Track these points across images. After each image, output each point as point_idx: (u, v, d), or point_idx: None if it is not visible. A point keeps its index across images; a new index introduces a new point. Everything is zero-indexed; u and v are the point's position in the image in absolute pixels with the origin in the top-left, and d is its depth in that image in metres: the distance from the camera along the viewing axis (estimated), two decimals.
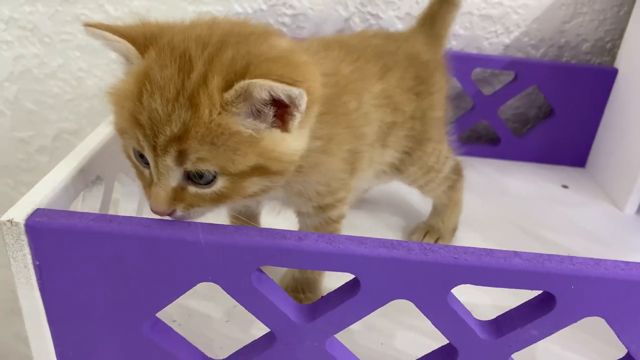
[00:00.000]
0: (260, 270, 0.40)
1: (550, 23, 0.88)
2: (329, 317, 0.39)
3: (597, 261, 0.37)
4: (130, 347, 0.43)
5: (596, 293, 0.37)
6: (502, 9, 0.87)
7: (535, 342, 0.40)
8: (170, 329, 0.44)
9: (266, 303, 0.39)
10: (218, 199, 0.39)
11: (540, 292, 0.39)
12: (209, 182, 0.38)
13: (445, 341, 0.42)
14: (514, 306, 0.41)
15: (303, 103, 0.36)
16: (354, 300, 0.38)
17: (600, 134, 0.89)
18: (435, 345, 0.44)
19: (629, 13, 0.87)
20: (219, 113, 0.36)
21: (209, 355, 0.45)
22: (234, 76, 0.36)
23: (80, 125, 0.96)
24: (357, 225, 0.72)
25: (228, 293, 0.39)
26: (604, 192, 0.86)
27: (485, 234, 0.73)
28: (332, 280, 0.52)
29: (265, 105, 0.37)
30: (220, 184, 0.38)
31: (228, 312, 0.55)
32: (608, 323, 0.39)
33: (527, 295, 0.40)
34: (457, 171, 0.68)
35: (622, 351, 0.42)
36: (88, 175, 0.48)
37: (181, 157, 0.37)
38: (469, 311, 0.41)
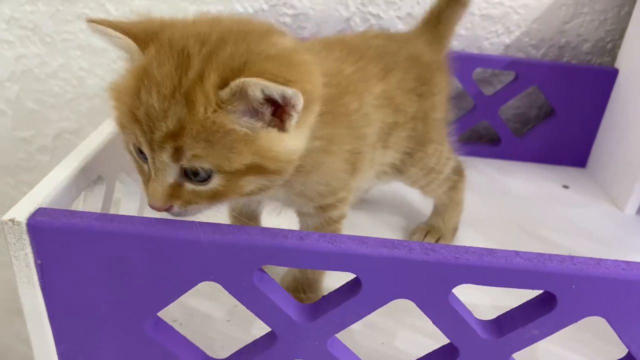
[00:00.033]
0: (262, 270, 0.40)
1: (551, 23, 0.88)
2: (330, 317, 0.40)
3: (598, 261, 0.37)
4: (131, 346, 0.43)
5: (597, 293, 0.37)
6: (503, 9, 0.87)
7: (536, 341, 0.40)
8: (171, 328, 0.44)
9: (267, 302, 0.39)
10: (214, 197, 0.39)
11: (541, 291, 0.39)
12: (205, 180, 0.38)
13: (445, 341, 0.42)
14: (514, 306, 0.41)
15: (299, 103, 0.36)
16: (355, 299, 0.38)
17: (600, 134, 0.89)
18: (435, 345, 0.44)
19: (629, 13, 0.87)
20: (214, 111, 0.36)
21: (210, 354, 0.45)
22: (230, 74, 0.36)
23: (81, 125, 0.96)
24: (357, 225, 0.72)
25: (229, 292, 0.39)
26: (604, 193, 0.86)
27: (486, 234, 0.73)
28: (333, 280, 0.52)
29: (262, 104, 0.37)
30: (216, 181, 0.38)
31: (229, 311, 0.56)
32: (609, 323, 0.39)
33: (527, 295, 0.40)
34: (458, 172, 0.68)
35: (623, 351, 0.42)
36: (89, 175, 0.48)
37: (177, 153, 0.37)
38: (469, 311, 0.41)
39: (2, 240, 0.38)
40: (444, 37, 0.66)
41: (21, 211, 0.38)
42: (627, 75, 0.83)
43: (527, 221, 0.76)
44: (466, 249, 0.37)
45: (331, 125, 0.45)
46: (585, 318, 0.38)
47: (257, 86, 0.35)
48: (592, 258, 0.38)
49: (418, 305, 0.39)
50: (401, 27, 0.87)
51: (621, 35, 0.89)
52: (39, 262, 0.39)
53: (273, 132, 0.38)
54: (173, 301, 0.40)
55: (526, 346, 0.40)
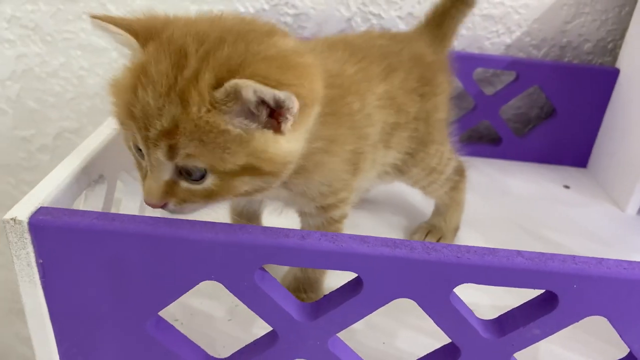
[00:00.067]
0: (263, 269, 0.40)
1: (552, 23, 0.88)
2: (332, 316, 0.39)
3: (600, 260, 0.37)
4: (132, 345, 0.43)
5: (599, 292, 0.37)
6: (504, 8, 0.87)
7: (538, 341, 0.40)
8: (172, 327, 0.44)
9: (269, 301, 0.39)
10: (209, 196, 0.39)
11: (542, 291, 0.39)
12: (200, 179, 0.38)
13: (446, 341, 0.42)
14: (515, 306, 0.41)
15: (293, 106, 0.36)
16: (356, 299, 0.38)
17: (601, 134, 0.89)
18: (436, 345, 0.44)
19: (630, 13, 0.87)
20: (208, 110, 0.36)
21: (211, 354, 0.45)
22: (226, 74, 0.36)
23: (82, 124, 0.96)
24: (358, 225, 0.72)
25: (231, 291, 0.39)
26: (605, 193, 0.86)
27: (487, 234, 0.73)
28: (334, 280, 0.52)
29: (257, 106, 0.36)
30: (210, 180, 0.38)
31: (230, 311, 0.56)
32: (610, 322, 0.39)
33: (528, 295, 0.40)
34: (460, 172, 0.68)
35: (624, 351, 0.42)
36: (91, 174, 0.48)
37: (171, 151, 0.37)
38: (471, 310, 0.41)
39: (2, 240, 0.38)
40: (447, 37, 0.66)
41: (23, 210, 0.38)
42: (628, 75, 0.83)
43: (528, 221, 0.76)
44: (468, 249, 0.37)
45: (333, 126, 0.45)
46: (586, 318, 0.38)
47: (249, 88, 0.35)
48: (593, 257, 0.38)
49: (419, 305, 0.39)
50: (402, 27, 0.87)
51: (622, 35, 0.89)
52: (41, 261, 0.39)
53: (268, 134, 0.38)
54: (174, 300, 0.40)
55: (527, 346, 0.40)
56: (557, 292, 0.37)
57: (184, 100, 0.36)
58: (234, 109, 0.36)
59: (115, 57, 0.90)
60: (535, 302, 0.40)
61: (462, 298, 0.40)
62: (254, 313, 0.40)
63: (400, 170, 0.60)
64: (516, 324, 0.40)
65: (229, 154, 0.37)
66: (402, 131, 0.56)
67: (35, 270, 0.39)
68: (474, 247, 0.38)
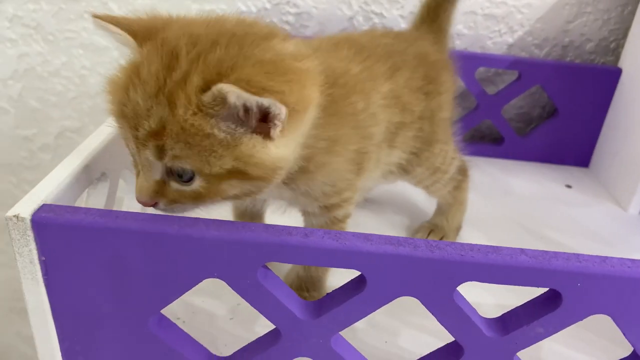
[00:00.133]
0: (266, 267, 0.40)
1: (554, 22, 0.88)
2: (335, 314, 0.39)
3: (604, 259, 0.37)
4: (134, 343, 0.43)
5: (602, 291, 0.37)
6: (506, 8, 0.87)
7: (541, 339, 0.40)
8: (175, 325, 0.44)
9: (272, 299, 0.39)
10: (197, 198, 0.39)
11: (546, 289, 0.39)
12: (189, 180, 0.38)
13: (449, 339, 0.42)
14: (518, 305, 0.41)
15: (280, 112, 0.35)
16: (359, 297, 0.38)
17: (604, 134, 0.89)
18: (439, 344, 0.44)
19: (633, 13, 0.87)
20: (194, 113, 0.36)
21: (213, 352, 0.45)
22: (216, 77, 0.36)
23: (83, 123, 0.96)
24: (361, 224, 0.72)
25: (234, 289, 0.39)
26: (607, 192, 0.85)
27: (489, 234, 0.73)
28: (337, 278, 0.52)
29: (245, 111, 0.36)
30: (197, 183, 0.38)
31: (232, 309, 0.55)
32: (614, 321, 0.39)
33: (531, 294, 0.40)
34: (463, 171, 0.67)
35: (627, 350, 0.42)
36: (93, 172, 0.48)
37: (159, 152, 0.37)
38: (474, 309, 0.41)
39: (1, 240, 0.38)
40: (445, 31, 0.66)
41: (25, 207, 0.38)
42: (631, 75, 0.83)
43: (530, 221, 0.76)
44: (471, 247, 0.37)
45: (337, 126, 0.45)
46: (590, 317, 0.38)
47: (233, 94, 0.34)
48: (597, 256, 0.37)
49: (423, 303, 0.39)
50: (404, 25, 0.87)
51: (625, 35, 0.89)
52: (43, 258, 0.39)
53: (257, 139, 0.37)
54: (177, 298, 0.40)
55: (531, 344, 0.40)
56: (561, 290, 0.37)
57: (172, 102, 0.36)
58: (221, 113, 0.36)
59: (117, 56, 0.90)
60: (539, 300, 0.40)
61: (465, 297, 0.40)
62: (255, 312, 0.40)
63: (404, 170, 0.60)
64: (520, 323, 0.39)
65: (215, 157, 0.37)
66: (407, 130, 0.56)
67: (37, 267, 0.39)
68: (477, 245, 0.38)
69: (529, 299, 0.40)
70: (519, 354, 0.41)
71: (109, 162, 0.50)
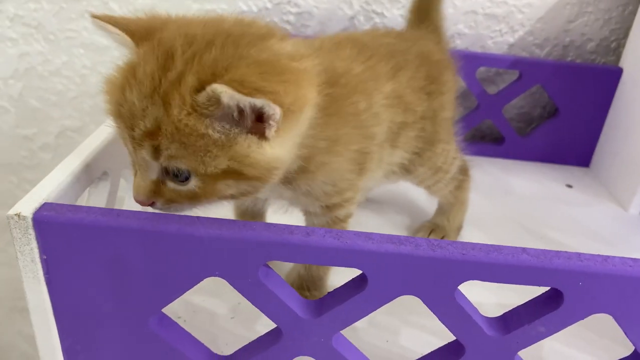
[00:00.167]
0: (268, 266, 0.40)
1: (555, 22, 0.88)
2: (336, 313, 0.39)
3: (605, 258, 0.37)
4: (135, 342, 0.43)
5: (604, 290, 0.37)
6: (507, 8, 0.87)
7: (543, 339, 0.40)
8: (176, 324, 0.44)
9: (273, 298, 0.39)
10: (194, 198, 0.39)
11: (547, 288, 0.39)
12: (185, 180, 0.38)
13: (450, 339, 0.42)
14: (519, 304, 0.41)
15: (274, 113, 0.35)
16: (361, 295, 0.38)
17: (604, 134, 0.88)
18: (440, 343, 0.44)
19: (634, 12, 0.87)
20: (188, 113, 0.36)
21: (214, 351, 0.44)
22: (211, 78, 0.36)
23: (84, 123, 0.96)
24: (362, 223, 0.72)
25: (235, 288, 0.39)
26: (608, 192, 0.85)
27: (489, 233, 0.73)
28: (338, 278, 0.52)
29: (239, 112, 0.36)
30: (193, 182, 0.38)
31: (233, 308, 0.55)
32: (616, 320, 0.39)
33: (532, 294, 0.40)
34: (464, 171, 0.67)
35: (629, 349, 0.42)
36: (94, 171, 0.48)
37: (155, 152, 0.37)
38: (475, 308, 0.41)
39: (2, 239, 0.38)
40: (440, 27, 0.66)
41: (27, 206, 0.38)
42: (632, 75, 0.83)
43: (531, 220, 0.76)
44: (473, 245, 0.37)
45: (337, 126, 0.45)
46: (591, 316, 0.38)
47: (226, 94, 0.34)
48: (599, 255, 0.37)
49: (424, 302, 0.39)
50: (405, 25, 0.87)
51: (626, 35, 0.89)
52: (44, 257, 0.39)
53: (252, 139, 0.37)
54: (178, 297, 0.40)
55: (532, 343, 0.40)
56: (562, 289, 0.37)
57: (166, 102, 0.36)
58: (216, 114, 0.36)
59: (118, 55, 0.90)
60: (541, 299, 0.40)
61: (467, 296, 0.40)
62: (256, 311, 0.40)
63: (407, 170, 0.59)
64: (521, 322, 0.39)
65: (210, 157, 0.37)
66: (410, 130, 0.55)
67: (39, 266, 0.39)
68: (479, 244, 0.38)
69: (530, 298, 0.40)
70: (520, 353, 0.41)
71: (110, 162, 0.50)
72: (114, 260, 0.39)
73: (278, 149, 0.39)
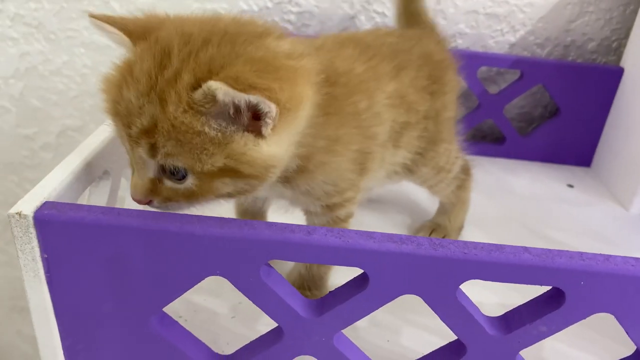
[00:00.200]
0: (269, 265, 0.39)
1: (556, 22, 0.88)
2: (338, 312, 0.39)
3: (607, 257, 0.37)
4: (137, 341, 0.43)
5: (606, 289, 0.37)
6: (508, 7, 0.86)
7: (544, 338, 0.39)
8: (177, 324, 0.43)
9: (274, 297, 0.39)
10: (191, 196, 0.39)
11: (549, 288, 0.39)
12: (182, 178, 0.38)
13: (451, 338, 0.42)
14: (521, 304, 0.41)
15: (270, 110, 0.35)
16: (362, 294, 0.38)
17: (606, 133, 0.88)
18: (441, 343, 0.43)
19: (635, 12, 0.87)
20: (184, 111, 0.36)
21: (215, 350, 0.44)
22: (207, 75, 0.36)
23: (85, 122, 0.96)
24: (363, 223, 0.71)
25: (236, 287, 0.39)
26: (609, 192, 0.85)
27: (490, 233, 0.73)
28: (338, 277, 0.52)
29: (236, 109, 0.36)
30: (190, 181, 0.38)
31: (234, 308, 0.55)
32: (617, 319, 0.38)
33: (534, 293, 0.40)
34: (466, 170, 0.67)
35: (631, 349, 0.42)
36: (95, 170, 0.48)
37: (152, 150, 0.37)
38: (477, 307, 0.41)
39: (3, 238, 0.38)
40: (432, 27, 0.66)
41: (28, 204, 0.38)
42: (633, 74, 0.83)
43: (532, 220, 0.76)
44: (475, 245, 0.37)
45: (337, 125, 0.45)
46: (593, 315, 0.38)
47: (220, 91, 0.34)
48: (601, 254, 0.37)
49: (426, 301, 0.39)
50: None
51: (627, 34, 0.89)
52: (45, 255, 0.39)
53: (249, 137, 0.37)
54: (179, 296, 0.40)
55: (534, 343, 0.40)
56: (564, 288, 0.37)
57: (163, 99, 0.36)
58: (212, 111, 0.36)
59: (119, 55, 0.90)
60: (542, 298, 0.40)
61: (468, 296, 0.40)
62: (258, 310, 0.40)
63: (409, 170, 0.59)
64: (522, 321, 0.39)
65: (207, 155, 0.37)
66: (412, 130, 0.55)
67: (40, 265, 0.39)
68: (480, 243, 0.37)
69: (532, 298, 0.40)
70: (521, 352, 0.41)
71: (111, 161, 0.50)
72: (115, 259, 0.39)
73: (275, 147, 0.39)
